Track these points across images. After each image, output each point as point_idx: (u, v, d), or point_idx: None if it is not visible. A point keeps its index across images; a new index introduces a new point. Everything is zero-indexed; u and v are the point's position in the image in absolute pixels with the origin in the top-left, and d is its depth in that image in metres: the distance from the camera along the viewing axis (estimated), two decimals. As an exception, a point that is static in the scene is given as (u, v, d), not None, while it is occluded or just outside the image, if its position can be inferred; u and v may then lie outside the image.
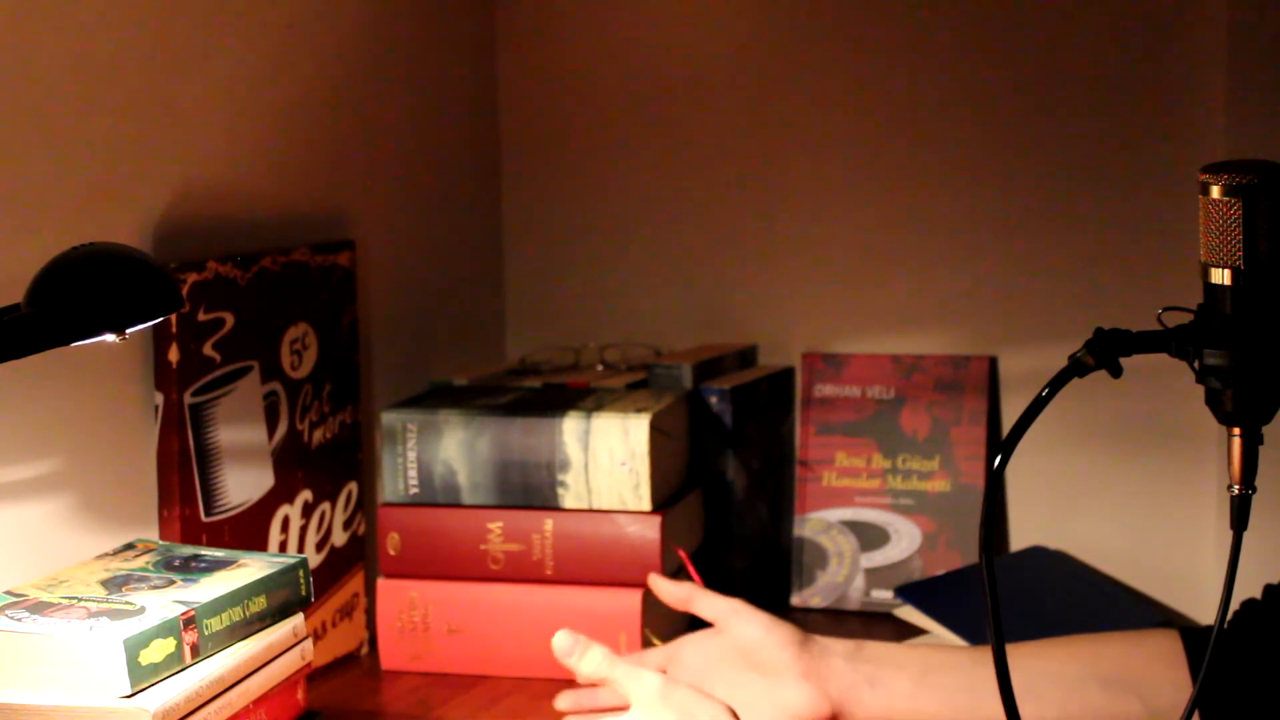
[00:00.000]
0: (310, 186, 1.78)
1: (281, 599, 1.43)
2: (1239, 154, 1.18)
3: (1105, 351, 1.13)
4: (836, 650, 1.47)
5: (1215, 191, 1.11)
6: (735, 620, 1.51)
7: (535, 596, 1.69)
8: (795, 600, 1.95)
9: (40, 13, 1.42)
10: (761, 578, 1.93)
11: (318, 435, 1.71)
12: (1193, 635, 1.43)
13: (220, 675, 1.34)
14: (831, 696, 1.46)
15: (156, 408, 1.54)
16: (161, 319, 1.26)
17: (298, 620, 1.45)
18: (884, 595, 1.91)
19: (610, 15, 2.07)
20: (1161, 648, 1.43)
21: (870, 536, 1.95)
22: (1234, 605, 1.43)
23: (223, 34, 1.63)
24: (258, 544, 1.63)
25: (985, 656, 1.46)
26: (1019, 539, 1.94)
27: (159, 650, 1.29)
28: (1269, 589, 1.42)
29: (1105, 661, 1.44)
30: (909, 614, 1.81)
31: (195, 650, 1.32)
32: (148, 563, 1.43)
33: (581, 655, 1.47)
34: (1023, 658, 1.43)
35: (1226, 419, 1.13)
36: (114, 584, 1.38)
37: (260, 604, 1.40)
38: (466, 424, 1.71)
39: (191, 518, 1.55)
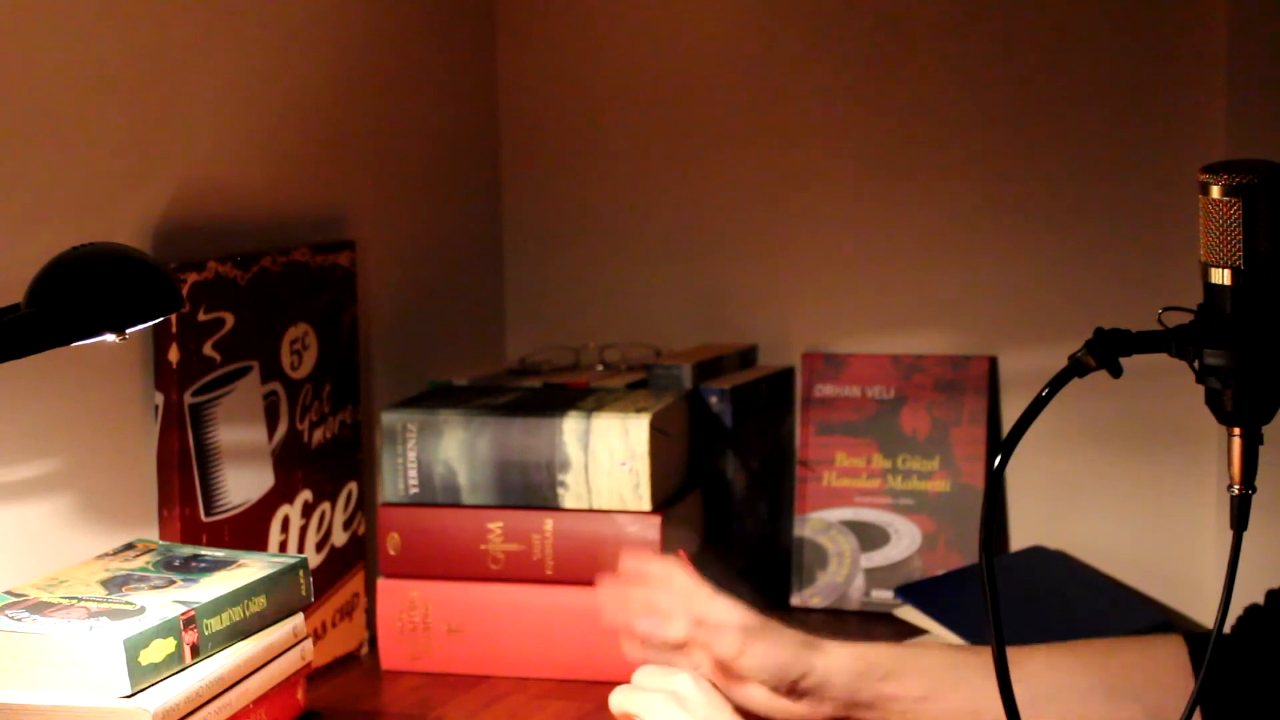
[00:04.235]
0: (310, 186, 1.78)
1: (281, 599, 1.43)
2: (1239, 154, 1.18)
3: (1105, 351, 1.13)
4: (838, 671, 1.46)
5: (1215, 191, 1.11)
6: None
7: (535, 596, 1.69)
8: (795, 600, 1.95)
9: (40, 13, 1.42)
10: (761, 578, 1.93)
11: (318, 435, 1.71)
12: (1198, 641, 1.43)
13: (220, 675, 1.34)
14: (826, 713, 1.46)
15: (156, 408, 1.54)
16: (161, 319, 1.26)
17: (298, 620, 1.45)
18: (884, 595, 1.91)
19: (610, 15, 2.07)
20: (1167, 655, 1.43)
21: (870, 536, 1.95)
22: (1236, 607, 1.43)
23: (223, 34, 1.63)
24: (258, 544, 1.63)
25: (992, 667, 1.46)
26: (1019, 539, 1.94)
27: (159, 650, 1.29)
28: (1272, 594, 1.42)
29: (1111, 670, 1.44)
30: (909, 614, 1.81)
31: (195, 650, 1.32)
32: (148, 563, 1.43)
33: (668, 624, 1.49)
34: (1029, 670, 1.42)
35: (1226, 419, 1.13)
36: (114, 584, 1.38)
37: (260, 604, 1.40)
38: (466, 424, 1.71)
39: (191, 518, 1.55)
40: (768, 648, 1.45)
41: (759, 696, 1.49)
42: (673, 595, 1.52)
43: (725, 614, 1.48)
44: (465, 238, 2.08)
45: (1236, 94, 1.80)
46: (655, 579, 1.55)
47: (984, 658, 1.47)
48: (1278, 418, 1.14)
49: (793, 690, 1.46)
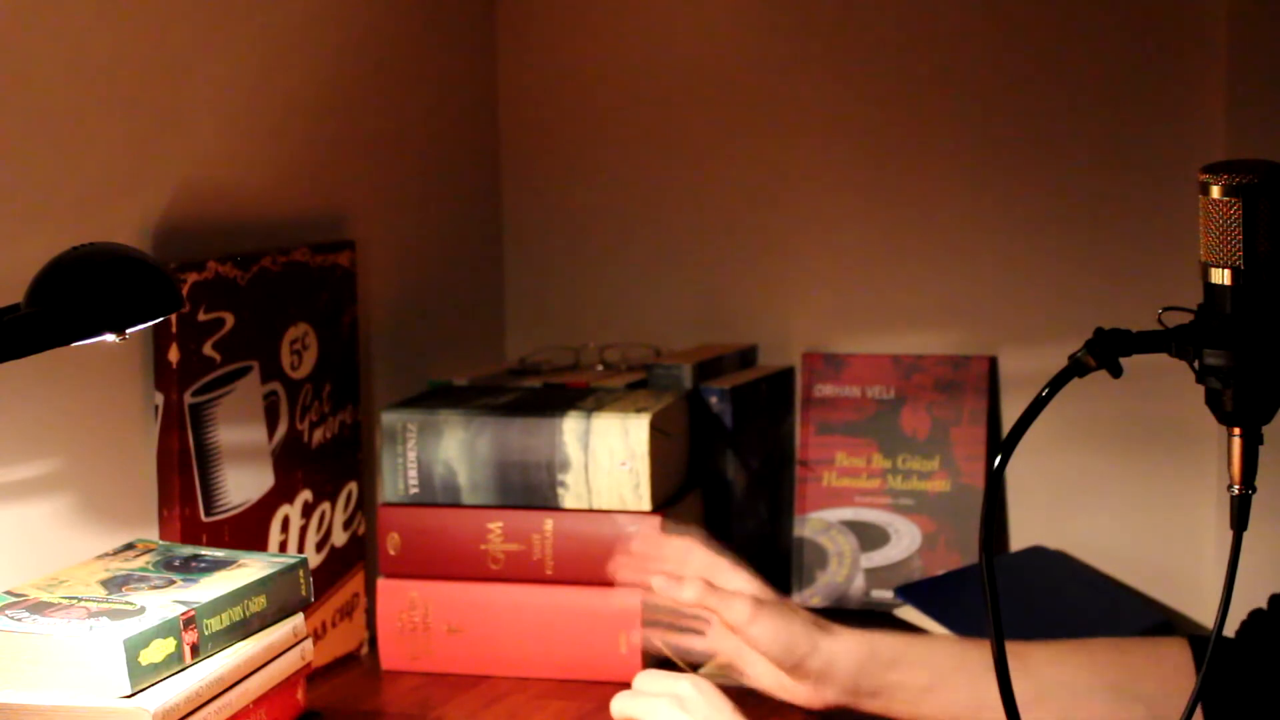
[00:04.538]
0: (310, 186, 1.78)
1: (281, 599, 1.43)
2: (1239, 154, 1.18)
3: (1105, 351, 1.13)
4: (844, 654, 1.46)
5: (1215, 191, 1.11)
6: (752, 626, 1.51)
7: (535, 596, 1.69)
8: (795, 600, 1.95)
9: (40, 13, 1.42)
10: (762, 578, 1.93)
11: (318, 435, 1.71)
12: (1202, 644, 1.43)
13: (220, 675, 1.34)
14: (829, 699, 1.47)
15: (156, 408, 1.54)
16: (161, 319, 1.26)
17: (298, 620, 1.45)
18: (884, 595, 1.91)
19: (610, 15, 2.07)
20: (1173, 658, 1.43)
21: (870, 536, 1.95)
22: (1235, 608, 1.43)
23: (223, 34, 1.63)
24: (258, 544, 1.63)
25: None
26: (1019, 539, 1.94)
27: (159, 650, 1.29)
28: (1275, 598, 1.42)
29: (1118, 670, 1.44)
30: (909, 614, 1.81)
31: (195, 650, 1.32)
32: (148, 563, 1.43)
33: (681, 585, 1.50)
34: (1034, 665, 1.42)
35: (1226, 419, 1.13)
36: (114, 584, 1.38)
37: (260, 604, 1.40)
38: (466, 424, 1.71)
39: (191, 518, 1.55)
40: (778, 620, 1.46)
41: (764, 677, 1.49)
42: (689, 568, 1.53)
43: (740, 584, 1.49)
44: (465, 238, 2.08)
45: (1236, 94, 1.80)
46: (671, 556, 1.55)
47: (989, 651, 1.47)
48: (1278, 418, 1.14)
49: (797, 669, 1.46)
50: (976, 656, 1.47)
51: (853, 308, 2.00)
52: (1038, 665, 1.42)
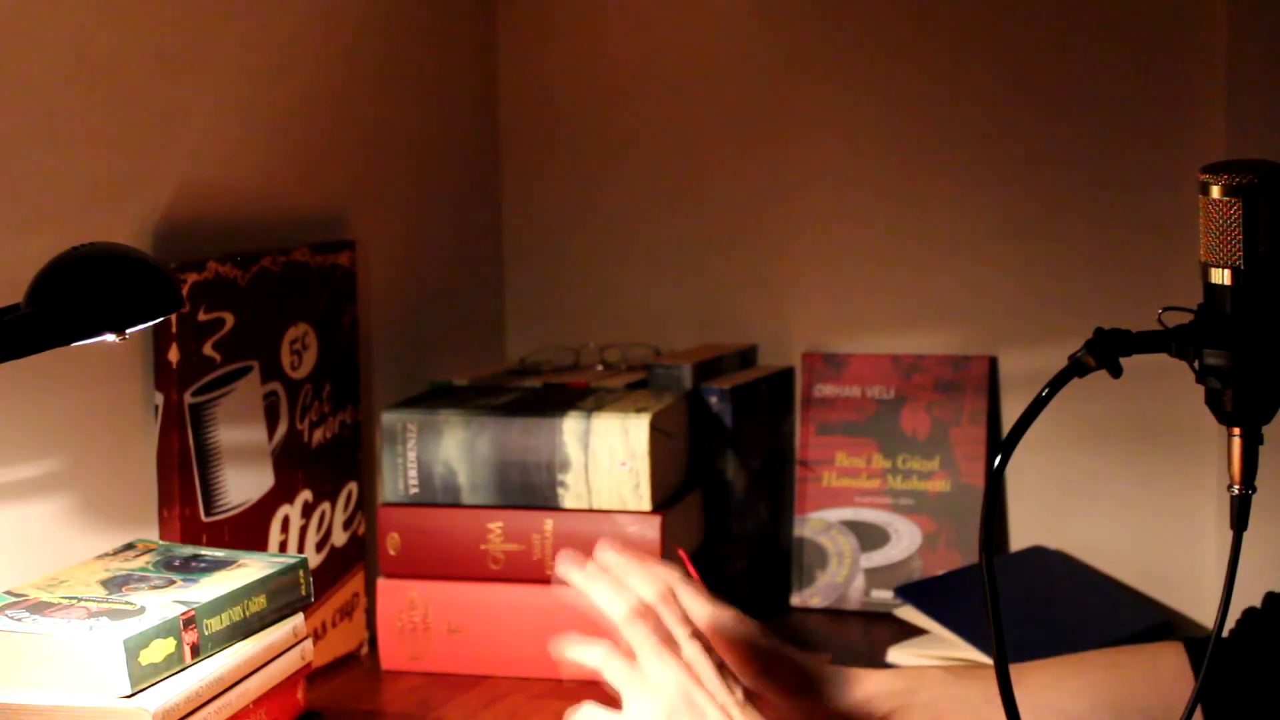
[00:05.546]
0: (310, 186, 1.78)
1: (281, 599, 1.43)
2: (1239, 154, 1.18)
3: (1105, 351, 1.13)
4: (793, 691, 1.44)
5: (1215, 191, 1.11)
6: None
7: (535, 596, 1.69)
8: (795, 600, 1.95)
9: (40, 13, 1.42)
10: (761, 578, 1.93)
11: (318, 435, 1.71)
12: (1197, 646, 1.43)
13: (220, 675, 1.34)
14: None
15: (156, 408, 1.54)
16: (161, 319, 1.26)
17: (298, 620, 1.45)
18: (884, 595, 1.91)
19: (610, 16, 2.07)
20: (1170, 667, 1.42)
21: (870, 536, 1.94)
22: (1235, 608, 1.43)
23: (223, 34, 1.63)
24: (258, 544, 1.63)
25: (966, 691, 1.44)
26: (1019, 539, 1.94)
27: (159, 650, 1.29)
28: (1270, 597, 1.42)
29: (1115, 688, 1.43)
30: (909, 614, 1.80)
31: (195, 650, 1.32)
32: (148, 563, 1.43)
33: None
34: (1033, 689, 1.40)
35: (1226, 419, 1.13)
36: (114, 584, 1.38)
37: (260, 604, 1.40)
38: (466, 424, 1.71)
39: (191, 518, 1.55)
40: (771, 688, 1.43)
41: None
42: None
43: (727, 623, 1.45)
44: (465, 238, 2.08)
45: (1236, 94, 1.80)
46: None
47: (986, 683, 1.45)
48: (1278, 418, 1.14)
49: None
50: (974, 693, 1.45)
51: (853, 308, 2.00)
52: (1036, 690, 1.41)
